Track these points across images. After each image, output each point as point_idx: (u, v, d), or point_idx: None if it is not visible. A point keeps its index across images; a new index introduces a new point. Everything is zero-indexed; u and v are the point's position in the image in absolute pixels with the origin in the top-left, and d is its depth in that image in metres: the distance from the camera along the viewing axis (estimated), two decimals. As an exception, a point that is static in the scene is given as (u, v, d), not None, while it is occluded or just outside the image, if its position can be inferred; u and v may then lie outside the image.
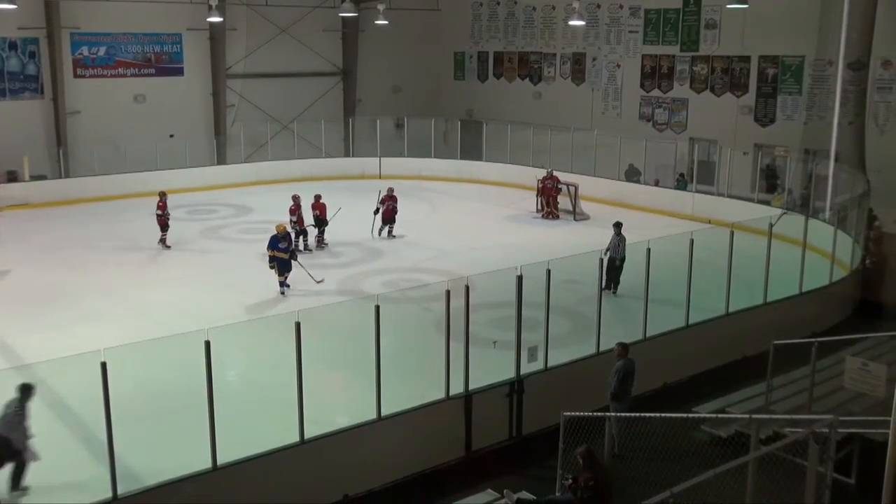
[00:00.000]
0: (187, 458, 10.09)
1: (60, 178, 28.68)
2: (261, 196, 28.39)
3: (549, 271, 12.31)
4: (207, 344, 9.43)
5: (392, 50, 36.95)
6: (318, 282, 18.22)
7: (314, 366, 10.72)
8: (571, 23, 29.38)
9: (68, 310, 17.11)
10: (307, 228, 21.67)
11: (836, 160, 21.86)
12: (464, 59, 38.28)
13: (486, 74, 37.46)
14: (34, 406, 10.09)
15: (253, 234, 23.24)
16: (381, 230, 22.86)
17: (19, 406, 9.83)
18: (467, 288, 11.46)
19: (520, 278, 11.89)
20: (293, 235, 21.09)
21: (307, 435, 10.45)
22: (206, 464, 9.83)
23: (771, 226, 15.60)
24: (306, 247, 21.59)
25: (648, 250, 13.85)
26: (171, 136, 31.69)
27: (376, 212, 23.01)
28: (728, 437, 11.03)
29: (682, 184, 27.50)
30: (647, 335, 13.95)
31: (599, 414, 10.64)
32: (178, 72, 33.22)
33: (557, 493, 10.04)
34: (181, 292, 18.27)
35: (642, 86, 31.37)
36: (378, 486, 10.99)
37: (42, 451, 10.14)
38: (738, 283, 15.47)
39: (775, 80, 27.46)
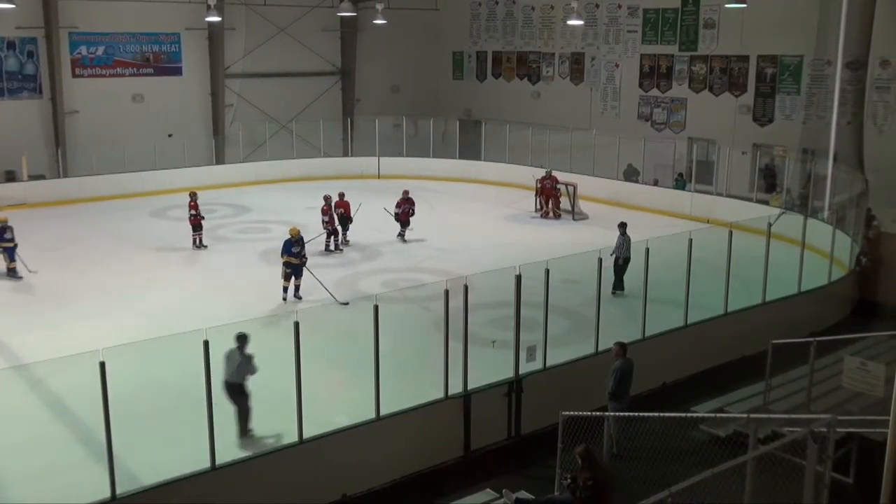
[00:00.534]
0: (186, 457, 10.09)
1: (59, 177, 28.68)
2: (259, 196, 28.39)
3: (547, 271, 12.32)
4: (206, 343, 9.43)
5: (391, 50, 36.96)
6: (343, 304, 16.83)
7: (313, 365, 10.72)
8: (570, 22, 29.44)
9: (67, 309, 17.10)
10: (337, 228, 21.65)
11: (835, 160, 21.86)
12: (462, 59, 38.28)
13: (484, 74, 37.47)
14: (33, 405, 10.10)
15: (251, 234, 23.26)
16: (400, 233, 22.57)
17: (242, 353, 11.22)
18: (466, 288, 11.47)
19: (518, 278, 11.89)
20: (325, 236, 21.31)
21: (306, 435, 10.45)
22: (205, 464, 9.83)
23: (769, 225, 15.60)
24: (336, 246, 21.58)
25: (647, 250, 13.86)
26: (170, 135, 31.69)
27: (397, 217, 22.60)
28: (726, 437, 11.03)
29: (680, 183, 27.51)
30: (646, 335, 13.96)
31: (598, 413, 10.65)
32: (177, 71, 33.22)
33: (556, 493, 10.04)
34: (180, 292, 18.27)
35: (641, 85, 31.38)
36: (377, 485, 11.00)
37: (41, 451, 10.15)
38: (736, 283, 15.48)
39: (774, 79, 27.49)
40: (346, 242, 22.04)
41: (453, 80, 38.64)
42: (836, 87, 22.37)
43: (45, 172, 29.30)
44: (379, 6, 30.51)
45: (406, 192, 22.84)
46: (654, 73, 30.91)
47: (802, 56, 26.58)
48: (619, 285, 17.54)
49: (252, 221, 24.97)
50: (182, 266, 20.45)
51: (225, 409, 10.28)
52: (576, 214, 25.92)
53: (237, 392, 11.37)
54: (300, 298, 17.39)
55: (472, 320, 11.83)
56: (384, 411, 11.03)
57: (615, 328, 13.77)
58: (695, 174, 26.75)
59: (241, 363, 11.28)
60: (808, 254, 17.28)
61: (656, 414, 10.15)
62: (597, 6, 32.46)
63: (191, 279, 19.36)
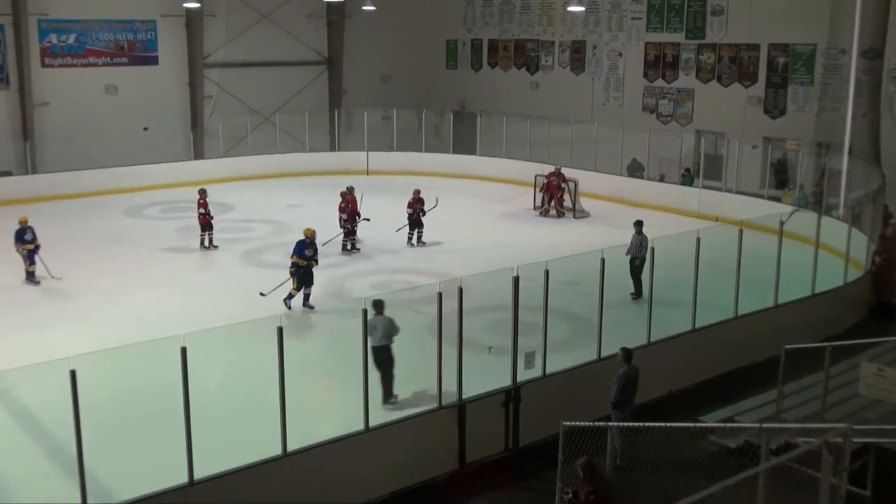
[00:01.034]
0: (162, 471, 10.05)
1: (27, 174, 28.58)
2: (240, 193, 28.34)
3: (547, 272, 12.31)
4: (183, 350, 9.40)
5: (380, 37, 36.95)
6: (261, 294, 17.10)
7: (298, 373, 10.70)
8: (570, 9, 29.49)
9: (39, 313, 17.05)
10: (355, 228, 21.69)
11: (850, 154, 21.93)
12: (456, 48, 38.29)
13: (480, 63, 37.47)
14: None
15: (232, 234, 23.21)
16: (410, 238, 22.30)
17: (383, 317, 12.61)
18: (461, 290, 11.46)
19: (516, 279, 11.88)
20: (342, 235, 21.38)
21: (290, 447, 10.41)
22: (183, 478, 9.79)
23: (782, 223, 15.63)
24: (353, 246, 21.63)
25: (652, 249, 13.87)
26: (145, 129, 31.64)
27: (410, 218, 22.29)
28: (737, 448, 11.04)
29: (687, 179, 27.55)
30: (652, 340, 13.96)
31: (601, 424, 10.65)
32: (153, 61, 33.15)
33: (557, 508, 10.04)
34: (158, 295, 18.22)
35: (645, 75, 31.41)
36: (366, 501, 10.97)
37: (8, 464, 10.10)
38: (747, 285, 15.50)
39: (786, 69, 27.53)
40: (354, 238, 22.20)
41: (447, 70, 38.64)
42: (852, 76, 22.44)
43: (13, 168, 29.21)
44: (368, -9, 30.52)
45: (417, 192, 22.63)
46: (660, 63, 30.95)
47: (816, 44, 26.63)
48: (638, 289, 17.47)
49: (233, 220, 24.93)
50: (161, 268, 20.39)
51: (204, 420, 10.24)
52: (577, 212, 25.94)
53: (385, 356, 12.62)
54: (312, 308, 17.07)
55: (467, 325, 11.82)
56: (374, 422, 11.01)
57: (619, 333, 13.77)
58: (702, 169, 26.77)
59: (386, 326, 12.55)
60: (822, 253, 17.30)
61: (662, 424, 10.15)
62: (599, -9, 32.56)
63: (170, 282, 19.30)
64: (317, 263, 17.41)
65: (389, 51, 37.44)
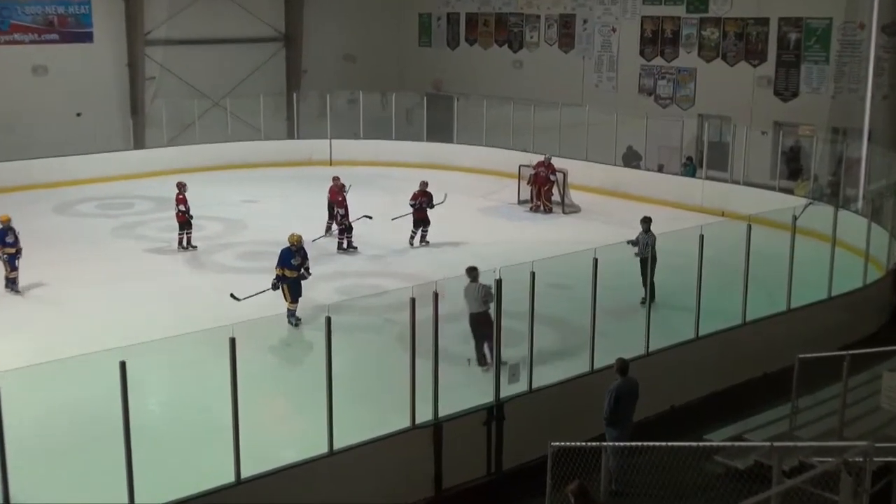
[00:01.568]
0: (99, 502, 9.97)
1: (-57, 166, 28.31)
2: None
3: (533, 274, 12.32)
4: (123, 365, 9.32)
5: (344, 11, 36.90)
6: (235, 298, 16.78)
7: (253, 390, 10.65)
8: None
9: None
10: (352, 224, 21.79)
11: (870, 140, 22.07)
12: (430, 22, 38.29)
13: (456, 40, 37.49)
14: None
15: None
16: (412, 236, 22.20)
17: (480, 284, 14.21)
18: (436, 295, 11.44)
19: (499, 283, 11.88)
20: (337, 231, 21.48)
21: (244, 474, 10.37)
22: (123, 509, 9.73)
23: (795, 218, 15.71)
24: (349, 244, 21.70)
25: (645, 247, 13.89)
26: (79, 114, 31.39)
27: (414, 210, 22.19)
28: (746, 469, 11.10)
29: (689, 169, 27.67)
30: (651, 349, 14.00)
31: (594, 444, 10.66)
32: (87, 38, 32.90)
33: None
34: (92, 303, 18.10)
35: (642, 53, 31.53)
36: (331, 533, 10.95)
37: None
38: (756, 287, 15.58)
39: (798, 46, 27.69)
40: (330, 233, 22.31)
41: (419, 48, 38.63)
42: (871, 54, 22.61)
43: (-73, 160, 28.92)
44: (330, -41, 30.50)
45: (425, 185, 22.50)
46: (658, 39, 31.07)
47: (831, 19, 26.80)
48: (650, 293, 17.47)
49: (179, 218, 24.78)
50: (93, 273, 20.22)
51: (148, 443, 10.17)
52: (566, 207, 26.00)
53: (484, 321, 14.02)
54: (297, 323, 16.63)
55: (443, 334, 11.80)
56: (339, 444, 10.98)
57: (614, 341, 13.82)
58: (706, 158, 26.90)
59: (480, 293, 14.04)
60: (839, 251, 17.42)
61: (663, 443, 10.18)
62: (589, -41, 32.66)
63: (105, 288, 19.15)
64: (309, 273, 16.99)
65: (355, 26, 37.35)
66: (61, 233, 23.31)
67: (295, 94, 34.46)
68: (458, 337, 14.69)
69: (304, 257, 16.99)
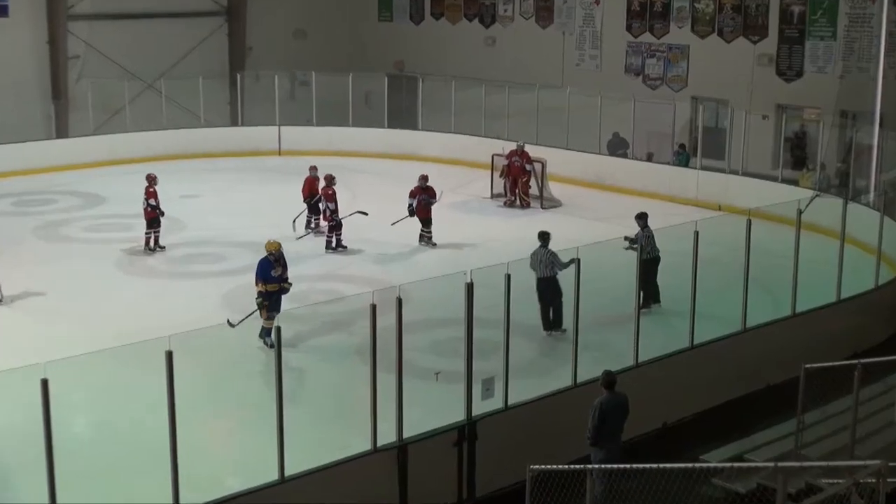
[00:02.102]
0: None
1: None
2: (116, 180, 27.97)
3: (508, 276, 12.33)
4: (44, 383, 9.26)
5: (294, -19, 36.84)
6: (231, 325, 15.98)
7: (194, 409, 10.60)
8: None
9: None
10: (342, 221, 21.87)
11: (882, 125, 22.23)
12: (391, -6, 38.29)
13: (421, 14, 37.47)
14: None
15: (106, 233, 22.94)
16: (423, 235, 22.23)
17: (549, 250, 16.14)
18: (399, 301, 11.44)
19: (470, 286, 11.89)
20: (326, 229, 21.58)
21: (184, 502, 10.32)
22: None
23: (800, 212, 15.81)
24: (339, 243, 21.82)
25: (640, 247, 13.95)
26: (-8, 98, 31.14)
27: (411, 211, 22.21)
28: (748, 493, 11.16)
29: (682, 158, 27.77)
30: (640, 360, 14.06)
31: (578, 467, 10.69)
32: (1, 12, 32.61)
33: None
34: (13, 314, 17.94)
35: (629, 29, 31.66)
36: (282, 570, 10.93)
37: None
38: (757, 289, 15.69)
39: (803, 20, 27.88)
40: (310, 230, 22.45)
41: (380, 23, 38.56)
42: (883, 29, 22.79)
43: None
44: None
45: (425, 178, 22.48)
46: (647, 13, 31.21)
47: (839, -11, 27.05)
48: (654, 295, 17.53)
49: (107, 216, 24.64)
50: (11, 279, 20.01)
51: (75, 468, 10.10)
52: (545, 201, 26.05)
53: (552, 287, 16.02)
54: (272, 344, 16.18)
55: (408, 345, 11.80)
56: (291, 470, 10.95)
57: (599, 352, 13.88)
58: (701, 146, 27.03)
59: (548, 258, 15.83)
60: (849, 249, 17.54)
61: (655, 465, 10.21)
62: (569, -77, 32.75)
63: (23, 295, 18.98)
64: (290, 286, 16.34)
65: (306, -2, 37.36)
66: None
67: (239, 76, 34.31)
68: (424, 348, 14.71)
69: (284, 267, 16.35)
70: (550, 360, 15.01)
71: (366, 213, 22.37)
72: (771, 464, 10.95)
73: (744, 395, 14.84)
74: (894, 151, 22.09)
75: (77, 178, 28.37)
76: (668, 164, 27.81)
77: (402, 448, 11.80)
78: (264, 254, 16.16)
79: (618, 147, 29.28)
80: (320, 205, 22.05)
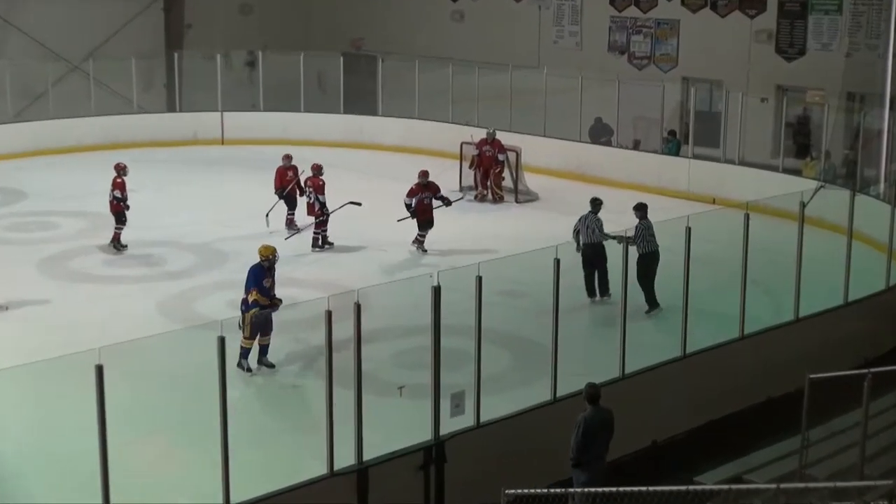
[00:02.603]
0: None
1: None
2: (37, 173, 27.87)
3: (479, 279, 12.34)
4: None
5: (237, -50, 36.72)
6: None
7: (128, 428, 10.54)
8: None
9: None
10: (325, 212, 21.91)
11: (892, 108, 22.37)
12: (347, -36, 38.22)
13: (380, -14, 37.45)
14: None
15: (27, 233, 22.77)
16: (420, 241, 21.76)
17: (598, 218, 18.10)
18: (358, 307, 11.42)
19: (437, 290, 11.88)
20: (313, 225, 21.58)
21: (117, 535, 10.27)
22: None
23: (803, 205, 15.90)
24: (325, 240, 21.94)
25: (626, 244, 13.99)
26: None
27: (413, 213, 21.80)
28: (747, 518, 11.21)
29: (672, 146, 27.85)
30: (627, 372, 14.09)
31: (558, 491, 10.71)
32: None
33: None
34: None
35: (612, 2, 31.71)
36: None
37: None
38: (757, 291, 15.77)
39: (804, -9, 28.06)
40: (296, 229, 22.53)
41: (334, -4, 38.54)
42: (893, 2, 22.92)
43: None
44: None
45: (425, 175, 22.35)
46: (632, -16, 31.33)
47: (844, -42, 27.22)
48: (651, 299, 17.59)
49: (29, 213, 24.50)
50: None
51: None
52: (520, 194, 26.08)
53: (598, 253, 17.79)
54: (272, 366, 15.68)
55: (367, 356, 11.79)
56: (238, 497, 10.91)
57: (582, 363, 13.90)
58: (693, 132, 27.12)
59: (600, 224, 17.74)
60: (857, 246, 17.65)
61: (644, 488, 10.24)
62: None
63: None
64: (280, 302, 15.72)
65: (251, -32, 37.25)
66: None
67: (176, 56, 34.05)
68: (386, 359, 14.69)
69: (273, 276, 15.71)
70: (527, 372, 15.00)
71: (359, 204, 22.33)
72: (773, 485, 10.98)
73: (742, 410, 14.91)
74: (906, 137, 22.27)
75: (-5, 171, 28.19)
76: (657, 152, 27.94)
77: (361, 472, 11.78)
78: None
79: (601, 134, 29.35)
80: (307, 198, 22.01)
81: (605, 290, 17.90)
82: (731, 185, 24.59)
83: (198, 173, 26.96)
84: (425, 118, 30.95)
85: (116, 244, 21.61)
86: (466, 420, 12.62)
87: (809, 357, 14.38)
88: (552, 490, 10.68)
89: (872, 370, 12.38)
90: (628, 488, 10.35)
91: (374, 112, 32.26)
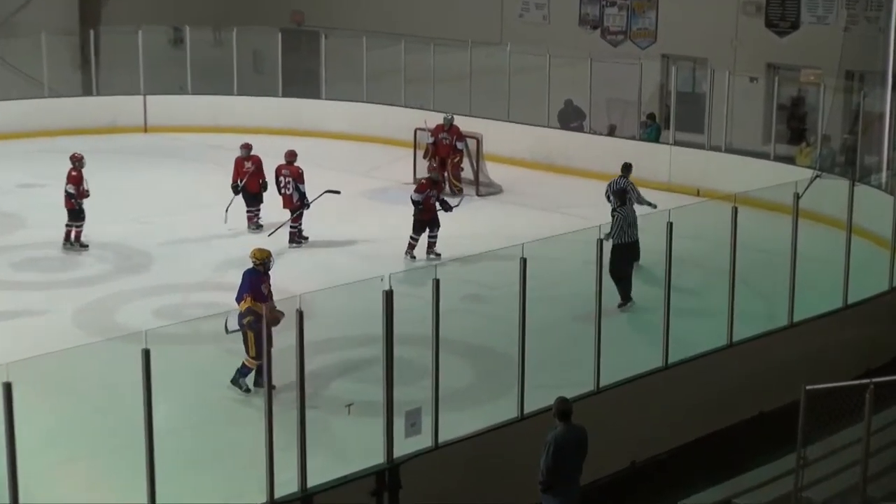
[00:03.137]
0: None
1: None
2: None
3: (437, 281, 12.35)
4: None
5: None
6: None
7: (46, 450, 10.47)
8: None
9: None
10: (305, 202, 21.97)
11: (895, 88, 22.52)
12: (285, -72, 38.15)
13: (323, -47, 37.40)
14: None
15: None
16: (412, 246, 21.34)
17: (629, 181, 19.89)
18: (300, 314, 11.41)
19: (389, 295, 11.89)
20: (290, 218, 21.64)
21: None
22: None
23: (797, 197, 15.99)
24: (301, 234, 22.06)
25: (600, 242, 14.03)
26: None
27: (421, 210, 21.40)
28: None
29: (651, 131, 27.97)
30: (602, 384, 14.14)
31: (527, 517, 10.77)
32: None
33: None
34: None
35: (583, -29, 31.85)
36: None
37: None
38: (747, 293, 15.85)
39: (797, -42, 28.25)
40: (257, 225, 22.55)
41: (270, -36, 38.46)
42: (896, -30, 23.11)
43: None
44: None
45: (432, 169, 22.12)
46: (605, -50, 31.44)
47: (841, -80, 27.42)
48: (626, 291, 17.78)
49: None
50: None
51: None
52: (481, 186, 26.10)
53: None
54: (248, 390, 15.25)
55: (312, 369, 11.78)
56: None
57: (551, 374, 13.92)
58: (674, 116, 27.24)
59: (632, 187, 19.57)
60: (858, 241, 17.77)
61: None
62: None
63: None
64: (281, 314, 14.46)
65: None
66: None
67: (93, 32, 33.92)
68: (333, 373, 14.68)
69: (269, 280, 15.57)
70: (491, 386, 15.04)
71: (338, 192, 22.47)
72: (766, 510, 11.09)
73: (731, 425, 15.00)
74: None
75: None
76: (634, 138, 28.04)
77: (305, 499, 11.78)
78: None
79: (571, 118, 29.42)
80: (284, 189, 21.99)
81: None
82: (717, 174, 24.70)
83: (117, 165, 26.74)
84: (374, 101, 30.95)
85: (75, 243, 21.61)
86: (423, 440, 12.62)
87: (806, 366, 14.48)
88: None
89: (875, 380, 12.48)
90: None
91: (316, 95, 32.22)
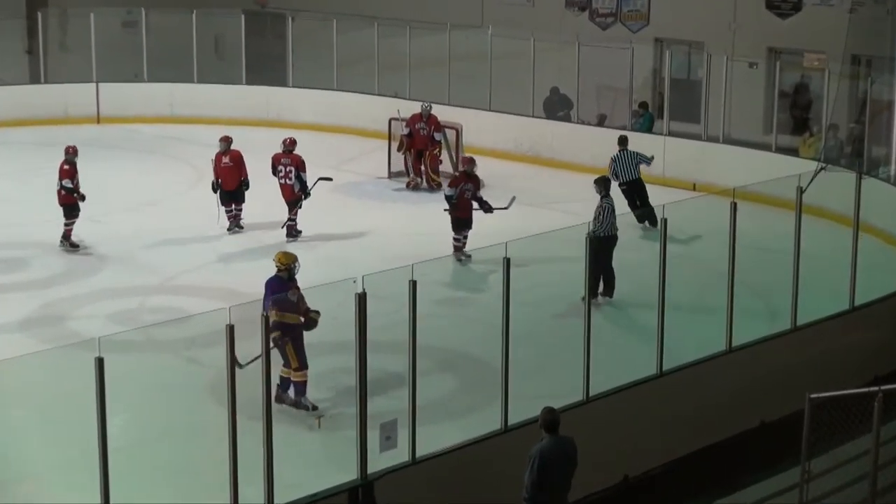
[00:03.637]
0: None
1: None
2: None
3: (413, 283, 12.36)
4: None
5: None
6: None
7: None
8: None
9: None
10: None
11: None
12: None
13: (289, -70, 37.41)
14: None
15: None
16: (461, 246, 20.80)
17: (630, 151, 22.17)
18: (266, 319, 11.41)
19: (361, 298, 11.90)
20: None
21: None
22: None
23: (801, 191, 16.04)
24: (294, 228, 22.21)
25: (588, 239, 14.06)
26: None
27: (453, 206, 21.17)
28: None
29: (644, 121, 28.02)
30: (592, 394, 14.17)
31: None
32: None
33: None
34: None
35: (570, -52, 31.90)
36: None
37: None
38: (746, 294, 15.90)
39: (800, -65, 28.36)
40: (237, 226, 22.72)
41: (232, -59, 38.43)
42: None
43: None
44: None
45: (472, 162, 21.85)
46: (593, -74, 31.49)
47: None
48: (605, 285, 17.87)
49: None
50: None
51: None
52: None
53: (639, 188, 21.14)
54: (315, 408, 14.95)
55: (279, 379, 11.76)
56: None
57: (537, 383, 13.95)
58: (668, 104, 27.31)
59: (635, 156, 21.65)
60: (866, 239, 17.82)
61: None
62: None
63: None
64: (317, 315, 14.98)
65: None
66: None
67: (40, 14, 33.86)
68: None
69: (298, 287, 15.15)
70: (473, 396, 15.06)
71: (330, 179, 22.73)
72: (767, 527, 11.14)
73: (730, 437, 15.03)
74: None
75: None
76: (626, 128, 28.01)
77: (273, 518, 11.81)
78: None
79: (558, 107, 29.47)
80: (286, 178, 22.15)
81: (652, 219, 19.00)
82: (714, 167, 24.77)
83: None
84: (345, 89, 30.97)
85: (65, 242, 21.60)
86: (399, 455, 12.65)
87: (810, 373, 14.53)
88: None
89: (884, 388, 12.53)
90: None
91: (283, 83, 32.23)
